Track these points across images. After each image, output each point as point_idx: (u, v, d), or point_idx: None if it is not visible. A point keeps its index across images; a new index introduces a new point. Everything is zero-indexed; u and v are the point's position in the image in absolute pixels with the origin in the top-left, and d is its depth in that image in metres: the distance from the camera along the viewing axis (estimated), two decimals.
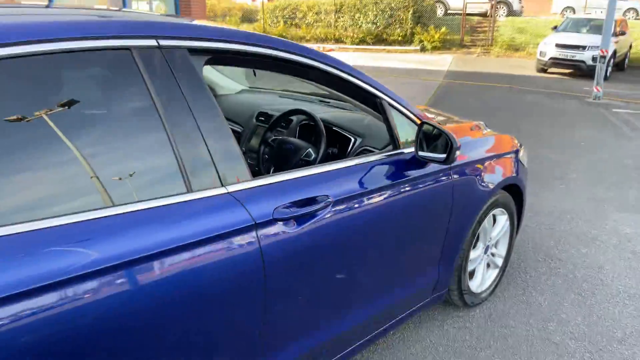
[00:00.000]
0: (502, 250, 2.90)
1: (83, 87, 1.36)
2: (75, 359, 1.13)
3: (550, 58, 13.51)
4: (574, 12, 23.50)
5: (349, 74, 1.91)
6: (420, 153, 2.01)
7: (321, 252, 1.68)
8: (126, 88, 1.35)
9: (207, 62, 1.53)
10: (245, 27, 21.73)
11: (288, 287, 1.59)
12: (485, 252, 2.77)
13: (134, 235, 1.22)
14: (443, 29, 18.96)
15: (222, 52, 1.56)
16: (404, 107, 2.11)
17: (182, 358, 1.35)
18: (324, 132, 2.28)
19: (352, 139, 2.36)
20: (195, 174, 1.38)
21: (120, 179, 1.28)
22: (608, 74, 12.09)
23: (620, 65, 14.56)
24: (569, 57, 13.26)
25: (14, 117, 1.13)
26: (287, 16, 22.05)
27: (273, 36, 1.79)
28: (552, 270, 3.26)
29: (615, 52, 12.83)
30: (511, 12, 22.66)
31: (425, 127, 2.00)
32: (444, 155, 1.95)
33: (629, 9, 23.05)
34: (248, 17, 23.21)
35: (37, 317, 1.05)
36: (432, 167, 2.13)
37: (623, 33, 14.15)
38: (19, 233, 1.07)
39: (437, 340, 2.51)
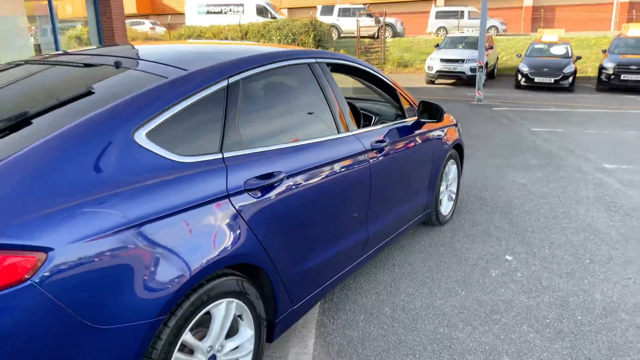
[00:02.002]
0: (454, 188, 4.48)
1: (296, 80, 2.65)
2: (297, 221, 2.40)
3: (437, 71, 16.03)
4: (447, 32, 27.00)
5: (378, 74, 3.36)
6: (422, 118, 3.51)
7: (384, 171, 3.06)
8: (309, 79, 2.67)
9: (331, 70, 2.90)
10: None
11: (374, 190, 2.95)
12: (446, 189, 4.32)
13: (314, 153, 2.49)
14: (342, 51, 21.06)
15: (332, 64, 2.93)
16: (405, 94, 3.60)
17: (343, 220, 2.68)
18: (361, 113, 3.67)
19: (373, 117, 3.78)
20: (337, 122, 2.73)
21: (311, 122, 2.61)
22: (484, 81, 14.69)
23: (491, 74, 17.51)
24: (451, 70, 15.85)
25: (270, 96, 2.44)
26: None
27: (344, 54, 3.19)
28: (482, 203, 4.92)
29: (487, 64, 15.56)
30: (396, 34, 25.55)
31: (423, 102, 3.51)
32: (436, 119, 3.47)
33: (490, 27, 26.91)
34: None
35: (289, 192, 2.27)
36: (423, 130, 3.62)
37: (491, 47, 17.12)
38: (291, 147, 2.36)
39: (430, 240, 3.99)
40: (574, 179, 5.85)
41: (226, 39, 22.16)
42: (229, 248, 1.88)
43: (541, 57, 15.56)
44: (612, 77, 14.27)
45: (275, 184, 2.14)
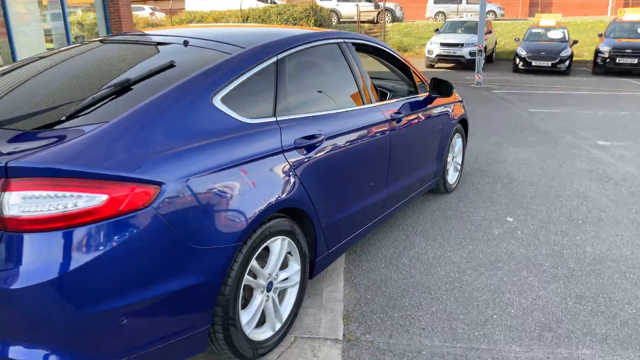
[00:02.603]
0: (459, 159, 4.89)
1: (328, 57, 3.01)
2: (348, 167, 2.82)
3: (437, 55, 16.38)
4: (445, 17, 27.24)
5: (394, 53, 3.75)
6: (433, 94, 3.91)
7: (401, 139, 3.45)
8: (338, 57, 3.06)
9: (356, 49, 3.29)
10: None
11: (393, 156, 3.35)
12: (452, 160, 4.74)
13: (345, 120, 2.89)
14: None
15: (357, 43, 3.32)
16: (417, 71, 3.99)
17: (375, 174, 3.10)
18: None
19: (388, 93, 4.17)
20: (362, 94, 3.13)
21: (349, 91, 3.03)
22: (483, 65, 15.05)
23: (490, 58, 17.84)
24: (451, 54, 16.21)
25: (315, 73, 2.83)
26: None
27: (366, 35, 3.58)
28: (484, 175, 5.34)
29: (485, 48, 15.90)
30: (395, 19, 25.79)
31: (434, 79, 3.91)
32: (446, 94, 3.87)
33: (488, 12, 27.12)
34: None
35: (343, 147, 2.70)
36: (433, 105, 4.02)
37: (490, 32, 17.41)
38: (341, 113, 2.77)
39: (438, 206, 4.42)
40: (569, 154, 6.27)
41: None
42: (284, 193, 2.29)
43: (539, 41, 15.92)
44: (608, 60, 14.66)
45: (317, 144, 2.55)
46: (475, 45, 15.11)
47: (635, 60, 14.35)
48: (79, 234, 1.62)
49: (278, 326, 2.43)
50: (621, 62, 14.49)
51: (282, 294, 2.50)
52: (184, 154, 1.90)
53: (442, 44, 16.24)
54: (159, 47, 2.56)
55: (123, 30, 13.86)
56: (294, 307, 2.53)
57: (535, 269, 3.29)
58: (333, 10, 25.24)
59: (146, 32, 2.97)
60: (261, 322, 2.37)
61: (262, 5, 24.43)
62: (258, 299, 2.29)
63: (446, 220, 4.11)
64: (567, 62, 14.96)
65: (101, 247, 1.65)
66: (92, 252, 1.64)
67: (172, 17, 25.80)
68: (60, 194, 1.60)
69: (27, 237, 1.59)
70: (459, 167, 4.91)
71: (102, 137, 1.75)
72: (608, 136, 7.28)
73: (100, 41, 2.81)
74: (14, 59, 10.06)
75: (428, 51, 16.70)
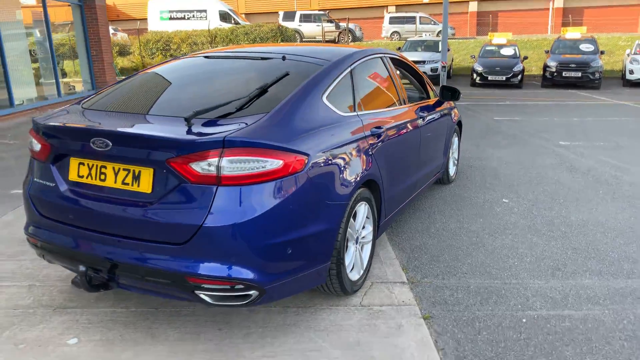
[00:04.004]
0: (456, 155, 5.78)
1: (377, 68, 3.76)
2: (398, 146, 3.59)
3: None
4: (400, 36, 28.80)
5: (412, 66, 4.60)
6: (443, 98, 4.78)
7: (424, 134, 4.26)
8: (383, 68, 3.85)
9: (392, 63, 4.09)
10: (121, 60, 22.76)
11: (421, 147, 4.15)
12: (452, 155, 5.61)
13: (394, 116, 3.68)
14: None
15: (390, 57, 4.13)
16: (427, 80, 4.85)
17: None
18: None
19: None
20: (400, 97, 3.93)
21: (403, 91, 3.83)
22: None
23: (448, 74, 19.18)
24: None
25: (372, 75, 3.62)
26: (161, 48, 23.54)
27: (393, 51, 4.39)
28: (474, 169, 6.25)
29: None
30: (355, 38, 27.07)
31: (444, 86, 4.78)
32: (454, 98, 4.74)
33: (439, 32, 28.83)
34: (121, 50, 24.17)
35: (396, 136, 3.48)
36: (442, 108, 4.88)
37: (448, 49, 18.77)
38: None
39: (444, 193, 5.26)
40: (538, 152, 7.30)
41: (195, 43, 22.93)
42: (368, 168, 3.04)
43: (493, 57, 17.37)
44: (555, 74, 16.22)
45: (381, 133, 3.32)
46: (436, 62, 16.40)
47: (579, 74, 15.97)
48: (264, 188, 2.32)
49: (361, 272, 3.16)
50: (567, 75, 16.07)
51: (361, 248, 3.24)
52: (315, 135, 2.63)
53: None
54: (266, 60, 3.26)
55: (102, 49, 14.22)
56: (369, 259, 3.27)
57: (536, 233, 4.16)
58: (296, 31, 26.24)
59: (234, 49, 3.67)
60: (350, 268, 3.09)
61: (225, 25, 25.13)
62: (352, 248, 3.02)
63: (455, 202, 4.96)
64: (519, 76, 16.43)
65: (277, 197, 2.36)
66: (272, 200, 2.34)
67: (135, 36, 26.02)
68: (251, 159, 2.30)
69: (232, 189, 2.27)
70: (456, 162, 5.79)
71: (270, 123, 2.46)
72: (567, 138, 8.41)
73: (205, 57, 3.49)
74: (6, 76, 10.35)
75: None
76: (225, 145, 2.25)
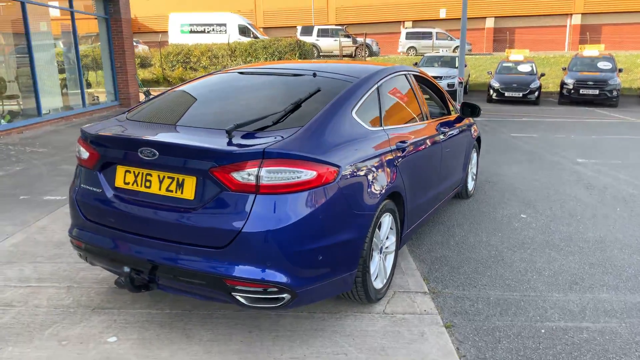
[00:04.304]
0: (475, 170, 5.89)
1: (401, 85, 3.92)
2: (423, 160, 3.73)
3: None
4: (416, 51, 29.03)
5: (435, 82, 4.74)
6: (463, 114, 4.91)
7: (445, 148, 4.39)
8: (407, 84, 4.00)
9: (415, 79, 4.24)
10: (142, 72, 23.23)
11: (441, 161, 4.27)
12: (470, 170, 5.72)
13: (418, 131, 3.82)
14: None
15: (414, 74, 4.28)
16: (448, 96, 4.99)
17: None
18: None
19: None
20: (422, 113, 4.07)
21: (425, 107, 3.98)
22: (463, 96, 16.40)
23: (464, 90, 19.30)
24: None
25: (400, 89, 3.77)
26: (181, 60, 24.01)
27: (416, 68, 4.55)
28: (492, 185, 6.35)
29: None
30: (372, 53, 27.34)
31: (465, 103, 4.91)
32: (474, 115, 4.87)
33: (456, 47, 29.01)
34: (143, 62, 24.67)
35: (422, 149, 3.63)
36: (462, 124, 5.01)
37: (465, 65, 18.91)
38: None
39: (463, 208, 5.36)
40: (555, 169, 7.38)
41: (215, 56, 23.36)
42: (394, 180, 3.18)
43: (510, 74, 17.46)
44: (572, 91, 16.25)
45: (406, 147, 3.46)
46: (453, 78, 16.53)
47: (597, 92, 15.98)
48: (299, 197, 2.47)
49: (384, 281, 3.28)
50: (584, 92, 16.09)
51: (384, 258, 3.37)
52: (345, 148, 2.78)
53: None
54: (298, 77, 3.43)
55: (126, 61, 14.58)
56: (392, 268, 3.39)
57: (554, 248, 4.25)
58: (314, 45, 26.61)
59: (267, 65, 3.85)
60: (374, 276, 3.22)
61: (244, 39, 25.58)
62: (376, 257, 3.15)
63: (474, 217, 5.06)
64: (536, 93, 16.48)
65: (310, 206, 2.50)
66: (306, 209, 2.49)
67: (155, 49, 26.53)
68: (288, 169, 2.46)
69: (270, 198, 2.43)
70: (474, 177, 5.90)
71: (304, 136, 2.62)
72: (584, 155, 8.47)
73: (240, 72, 3.67)
74: (35, 90, 10.69)
75: None
76: (265, 156, 2.41)
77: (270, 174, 2.42)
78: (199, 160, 2.47)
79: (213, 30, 27.83)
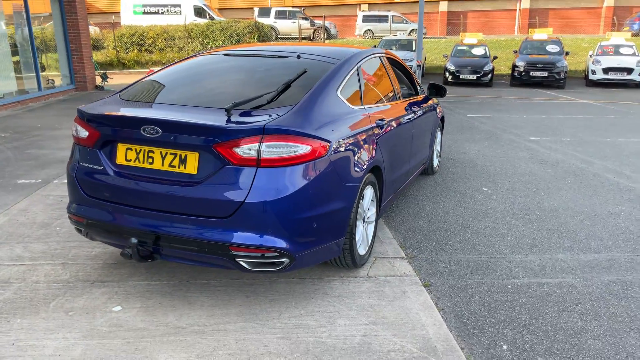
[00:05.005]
0: (439, 148, 6.25)
1: (376, 67, 4.14)
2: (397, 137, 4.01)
3: None
4: (373, 34, 29.38)
5: (404, 64, 5.02)
6: (430, 95, 5.22)
7: (415, 127, 4.68)
8: (381, 67, 4.24)
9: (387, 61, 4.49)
10: (95, 55, 22.54)
11: (413, 138, 4.58)
12: (435, 148, 6.07)
13: (394, 110, 4.09)
14: None
15: (387, 57, 4.53)
16: (417, 80, 5.29)
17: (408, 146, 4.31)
18: None
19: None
20: (395, 93, 4.34)
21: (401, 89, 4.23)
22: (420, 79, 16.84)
23: (422, 73, 19.81)
24: None
25: (376, 71, 4.02)
26: (136, 42, 23.44)
27: (390, 51, 4.79)
28: (454, 162, 6.74)
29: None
30: (330, 36, 27.47)
31: (432, 84, 5.22)
32: (440, 95, 5.19)
33: (412, 30, 29.53)
34: (95, 45, 23.91)
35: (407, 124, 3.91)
36: (429, 104, 5.33)
37: (422, 49, 19.38)
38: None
39: (429, 183, 5.71)
40: (511, 146, 7.86)
41: (172, 38, 22.92)
42: (375, 155, 3.44)
43: (464, 57, 18.05)
44: (523, 73, 17.00)
45: (384, 125, 3.73)
46: (411, 61, 16.95)
47: (546, 74, 16.79)
48: (295, 169, 2.70)
49: (367, 248, 3.56)
50: (534, 74, 16.87)
51: (366, 227, 3.64)
52: (333, 125, 3.01)
53: None
54: (283, 59, 3.62)
55: (82, 43, 14.20)
56: (373, 237, 3.68)
57: (514, 216, 4.65)
58: (272, 27, 26.49)
59: (250, 47, 4.01)
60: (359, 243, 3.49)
61: (199, 20, 25.18)
62: (360, 226, 3.42)
63: (440, 191, 5.42)
64: (489, 75, 17.14)
65: (306, 178, 2.73)
66: (302, 180, 2.72)
67: (107, 30, 25.77)
68: (285, 144, 2.67)
69: (270, 170, 2.64)
70: (439, 154, 6.26)
71: (298, 114, 2.83)
72: (536, 133, 9.02)
73: (225, 54, 3.82)
74: None
75: None
76: (265, 132, 2.62)
77: (270, 149, 2.62)
78: (203, 136, 2.65)
79: (167, 11, 27.17)
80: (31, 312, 2.90)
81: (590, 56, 18.33)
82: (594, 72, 17.40)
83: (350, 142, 3.12)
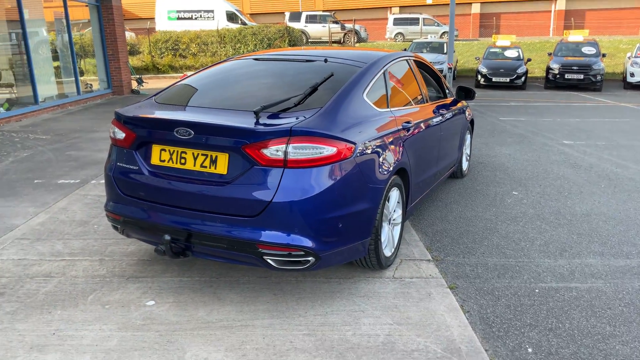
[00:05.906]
0: (468, 151, 6.22)
1: (404, 70, 4.19)
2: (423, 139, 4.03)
3: None
4: (404, 37, 29.28)
5: (433, 67, 5.03)
6: (457, 98, 5.21)
7: (443, 129, 4.70)
8: (408, 70, 4.28)
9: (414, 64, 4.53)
10: (131, 60, 23.15)
11: (441, 140, 4.58)
12: (464, 151, 6.05)
13: (421, 113, 4.11)
14: None
15: (415, 60, 4.56)
16: (445, 81, 5.29)
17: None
18: None
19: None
20: (423, 95, 4.37)
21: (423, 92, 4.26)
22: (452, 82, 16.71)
23: (453, 75, 19.64)
24: None
25: (405, 73, 4.06)
26: (170, 47, 23.97)
27: (417, 54, 4.83)
28: (484, 165, 6.69)
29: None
30: (360, 39, 27.51)
31: (461, 86, 5.22)
32: (469, 98, 5.18)
33: (443, 32, 29.29)
34: (131, 50, 24.56)
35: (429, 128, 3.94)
36: (457, 106, 5.32)
37: (453, 51, 19.22)
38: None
39: (458, 186, 5.70)
40: (543, 150, 7.75)
41: (205, 43, 23.38)
42: (401, 157, 3.48)
43: (497, 59, 17.81)
44: (558, 76, 16.67)
45: (410, 128, 3.76)
46: (442, 64, 16.83)
47: (581, 76, 16.42)
48: (322, 170, 2.76)
49: (393, 249, 3.60)
50: (569, 77, 16.52)
51: (392, 228, 3.68)
52: (359, 127, 3.07)
53: None
54: (311, 63, 3.70)
55: (118, 48, 14.63)
56: (399, 239, 3.71)
57: (544, 221, 4.61)
58: (302, 31, 26.70)
59: (279, 52, 4.11)
60: (385, 244, 3.53)
61: (232, 25, 25.58)
62: (386, 228, 3.46)
63: (469, 194, 5.40)
64: (523, 78, 16.87)
65: (331, 179, 2.80)
66: (328, 181, 2.78)
67: (143, 36, 26.42)
68: (311, 146, 2.74)
69: (296, 171, 2.72)
70: (468, 158, 6.23)
71: (324, 116, 2.90)
72: (570, 137, 8.86)
73: (254, 59, 3.93)
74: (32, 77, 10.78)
75: None
76: (292, 134, 2.69)
77: (296, 150, 2.70)
78: (232, 138, 2.74)
79: (200, 16, 27.71)
80: (70, 304, 3.05)
81: (629, 58, 17.82)
82: (632, 75, 16.92)
83: (376, 144, 3.17)
